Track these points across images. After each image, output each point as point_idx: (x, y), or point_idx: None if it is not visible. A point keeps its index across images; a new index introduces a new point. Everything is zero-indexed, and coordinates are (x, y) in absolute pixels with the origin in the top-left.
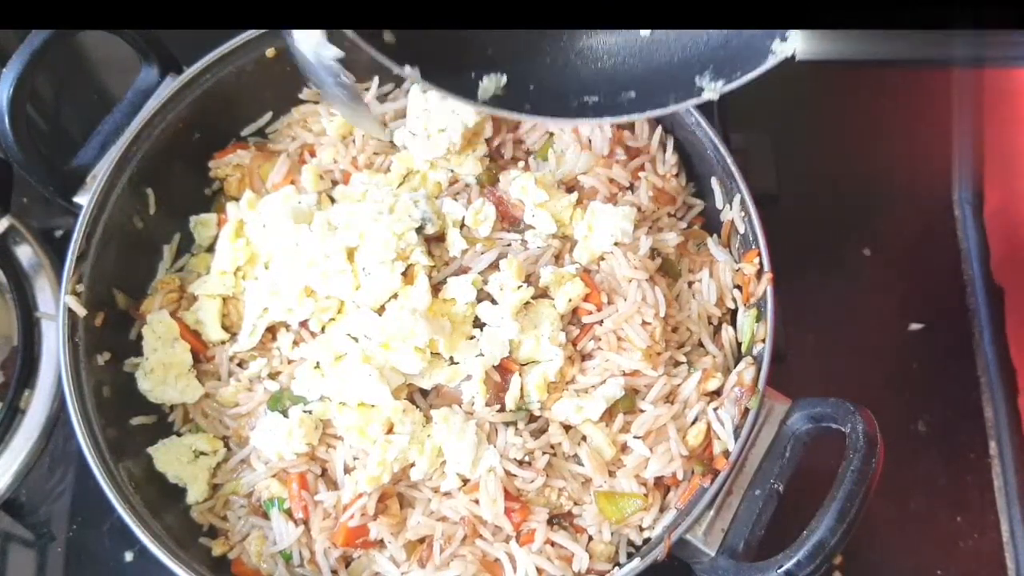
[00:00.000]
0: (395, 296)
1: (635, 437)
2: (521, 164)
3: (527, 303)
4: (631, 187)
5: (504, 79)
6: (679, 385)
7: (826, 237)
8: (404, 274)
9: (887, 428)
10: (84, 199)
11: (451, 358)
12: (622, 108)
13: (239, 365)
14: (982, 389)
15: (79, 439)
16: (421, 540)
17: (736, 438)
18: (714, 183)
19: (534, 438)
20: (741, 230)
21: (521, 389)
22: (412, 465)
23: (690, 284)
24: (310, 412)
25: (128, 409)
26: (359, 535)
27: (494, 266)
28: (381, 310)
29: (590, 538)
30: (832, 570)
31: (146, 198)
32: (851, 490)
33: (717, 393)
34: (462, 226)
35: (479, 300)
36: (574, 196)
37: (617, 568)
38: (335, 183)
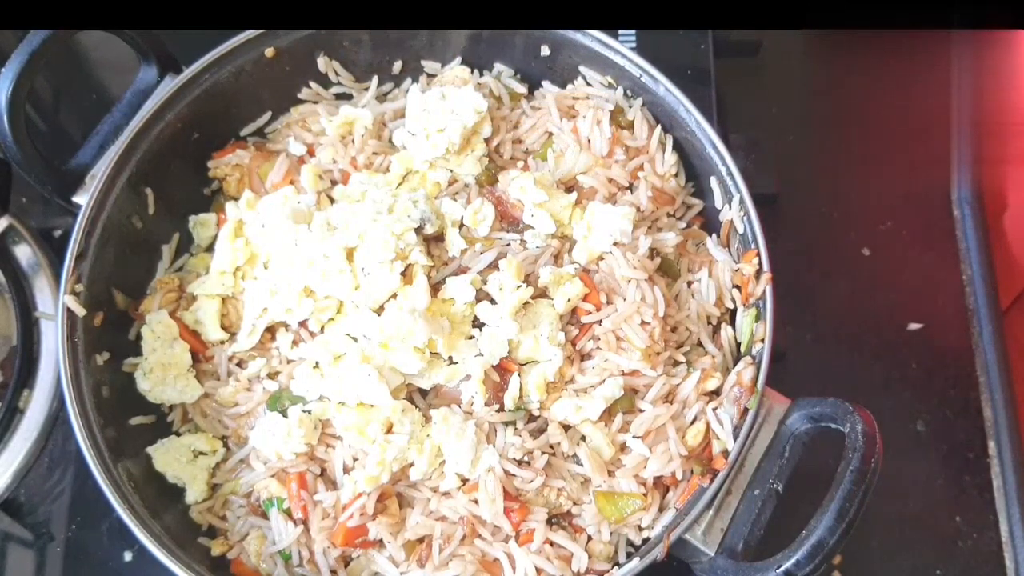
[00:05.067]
0: (394, 296)
1: (634, 437)
2: (520, 164)
3: (526, 303)
4: (630, 187)
5: None
6: (678, 385)
7: (825, 237)
8: (403, 274)
9: (886, 428)
10: (83, 199)
11: (450, 358)
12: None
13: (238, 365)
14: (981, 389)
15: (78, 439)
16: (420, 540)
17: (735, 438)
18: (713, 183)
19: (533, 438)
20: (740, 230)
21: (520, 389)
22: (411, 465)
23: (689, 284)
24: (309, 412)
25: (127, 409)
26: (358, 535)
27: (493, 266)
28: (380, 310)
29: (589, 538)
30: (831, 570)
31: (145, 198)
32: (850, 490)
33: (716, 393)
34: (461, 226)
35: (478, 300)
36: (573, 196)
37: (616, 568)
38: (334, 183)
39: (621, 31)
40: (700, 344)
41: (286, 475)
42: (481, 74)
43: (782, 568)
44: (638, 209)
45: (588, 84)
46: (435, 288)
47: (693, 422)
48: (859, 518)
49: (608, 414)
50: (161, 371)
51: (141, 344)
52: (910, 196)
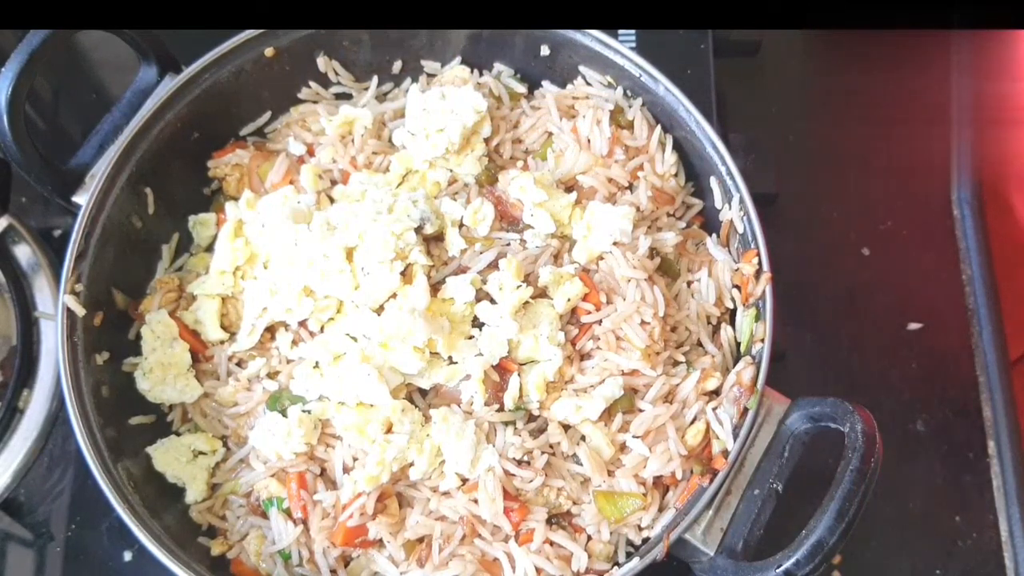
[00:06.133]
0: (394, 296)
1: (634, 437)
2: (520, 164)
3: (526, 303)
4: (630, 187)
5: None
6: (678, 385)
7: (825, 237)
8: (403, 274)
9: (886, 427)
10: (83, 199)
11: (450, 358)
12: None
13: (238, 365)
14: (980, 389)
15: (78, 439)
16: (420, 539)
17: (735, 438)
18: (713, 183)
19: (533, 438)
20: (740, 230)
21: (520, 389)
22: (411, 465)
23: (689, 284)
24: (309, 412)
25: (127, 409)
26: (358, 535)
27: (493, 266)
28: (380, 310)
29: (589, 538)
30: (831, 570)
31: (145, 197)
32: (850, 489)
33: (716, 393)
34: (461, 226)
35: (478, 300)
36: (573, 196)
37: (616, 568)
38: (334, 183)
39: (621, 31)
40: (700, 344)
41: (286, 475)
42: (481, 74)
43: (782, 568)
44: (638, 209)
45: (588, 84)
46: (435, 288)
47: (693, 422)
48: (859, 518)
49: (608, 414)
50: (161, 371)
51: (141, 344)
52: (910, 196)
